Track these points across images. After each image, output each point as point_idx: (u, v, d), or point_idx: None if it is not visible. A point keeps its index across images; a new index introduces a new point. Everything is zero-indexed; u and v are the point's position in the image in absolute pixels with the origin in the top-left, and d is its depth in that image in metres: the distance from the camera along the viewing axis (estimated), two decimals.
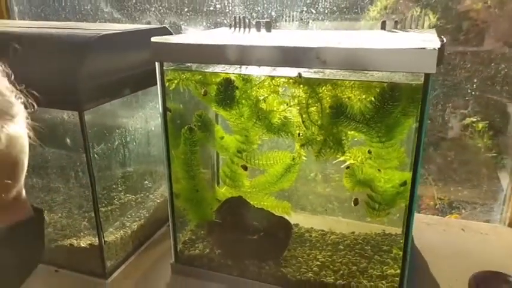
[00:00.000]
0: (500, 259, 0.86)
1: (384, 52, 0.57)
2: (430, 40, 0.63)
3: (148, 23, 1.26)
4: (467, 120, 1.11)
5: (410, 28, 0.81)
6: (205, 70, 0.74)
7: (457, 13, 0.99)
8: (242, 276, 0.78)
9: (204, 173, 0.92)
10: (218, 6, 1.15)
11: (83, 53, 0.71)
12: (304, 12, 1.09)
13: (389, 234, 0.87)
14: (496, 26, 0.98)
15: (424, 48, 0.55)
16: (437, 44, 0.56)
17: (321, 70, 0.67)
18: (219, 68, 0.73)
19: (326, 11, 1.07)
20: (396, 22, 0.82)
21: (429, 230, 0.99)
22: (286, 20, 1.14)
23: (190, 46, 0.67)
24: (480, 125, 1.10)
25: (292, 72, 0.67)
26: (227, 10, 1.15)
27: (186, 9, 1.20)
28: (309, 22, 1.10)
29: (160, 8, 1.21)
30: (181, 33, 1.24)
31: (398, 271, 0.69)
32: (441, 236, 0.96)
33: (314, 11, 1.08)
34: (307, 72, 0.67)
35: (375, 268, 0.76)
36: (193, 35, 0.82)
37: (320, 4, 1.07)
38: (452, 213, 1.19)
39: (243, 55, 0.64)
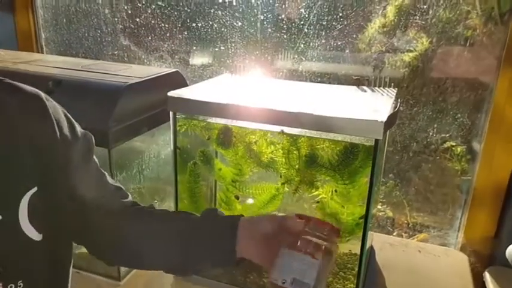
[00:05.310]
0: (444, 277, 1.05)
1: (343, 120, 0.75)
2: (384, 107, 0.82)
3: (161, 56, 1.44)
4: (447, 144, 1.27)
5: (379, 87, 0.99)
6: (209, 120, 0.92)
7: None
8: (231, 284, 0.96)
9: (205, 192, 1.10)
10: (222, 48, 1.34)
11: (113, 101, 0.89)
12: (295, 58, 1.27)
13: (355, 254, 1.05)
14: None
15: (374, 120, 0.73)
16: (385, 116, 0.74)
17: None
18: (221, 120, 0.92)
19: (313, 59, 1.25)
20: (368, 81, 1.00)
21: (391, 250, 1.17)
22: (281, 60, 1.32)
23: (198, 102, 0.86)
24: (459, 149, 1.26)
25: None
26: (230, 52, 1.33)
27: (194, 48, 1.38)
28: (300, 65, 1.28)
29: (172, 45, 1.40)
30: (188, 65, 1.42)
31: None
32: (400, 256, 1.14)
33: (304, 58, 1.26)
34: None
35: (338, 282, 0.94)
36: (201, 87, 0.99)
37: (309, 53, 1.25)
38: (422, 232, 1.36)
39: (238, 113, 0.83)
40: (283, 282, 0.58)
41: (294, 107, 0.79)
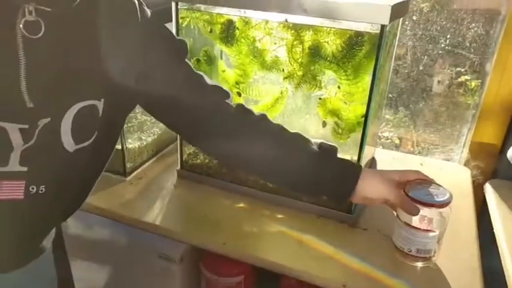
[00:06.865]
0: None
1: (349, 5, 0.72)
2: None
3: None
4: (462, 78, 1.25)
5: None
6: (212, 11, 0.90)
7: None
8: (233, 182, 0.98)
9: None
10: None
11: None
12: None
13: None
14: None
15: (380, 4, 0.71)
16: (393, 2, 0.72)
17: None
18: (223, 10, 0.89)
19: None
20: None
21: (393, 163, 1.18)
22: None
23: None
24: (473, 83, 1.24)
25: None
26: None
27: None
28: None
29: None
30: None
31: None
32: (401, 168, 1.14)
33: None
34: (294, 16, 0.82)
35: None
36: None
37: None
38: (427, 155, 1.36)
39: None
40: (409, 251, 0.74)
41: None
